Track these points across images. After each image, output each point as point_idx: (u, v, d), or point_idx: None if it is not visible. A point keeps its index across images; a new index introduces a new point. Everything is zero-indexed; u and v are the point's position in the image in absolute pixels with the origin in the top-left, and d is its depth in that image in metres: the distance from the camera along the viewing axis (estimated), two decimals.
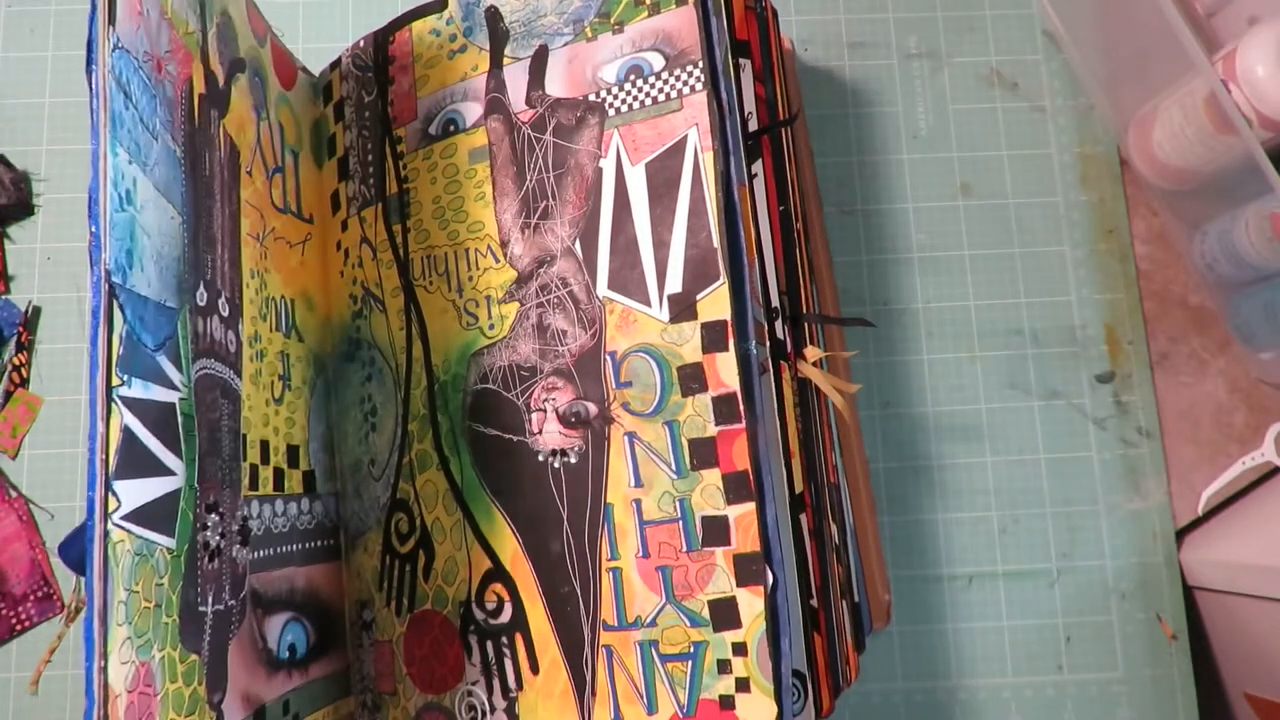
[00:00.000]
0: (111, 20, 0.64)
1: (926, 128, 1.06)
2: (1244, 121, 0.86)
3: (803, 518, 0.76)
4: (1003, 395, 1.02)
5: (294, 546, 0.82)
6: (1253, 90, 0.86)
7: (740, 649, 0.70)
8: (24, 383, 0.99)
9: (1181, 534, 1.01)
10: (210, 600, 0.69)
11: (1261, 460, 1.00)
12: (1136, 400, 1.02)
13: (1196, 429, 1.02)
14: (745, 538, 0.70)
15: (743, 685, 0.70)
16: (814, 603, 0.75)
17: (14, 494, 0.97)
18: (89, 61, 0.63)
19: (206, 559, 0.69)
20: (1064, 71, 1.08)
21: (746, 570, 0.70)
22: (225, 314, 0.74)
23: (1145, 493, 1.00)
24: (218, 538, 0.71)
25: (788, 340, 0.79)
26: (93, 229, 0.59)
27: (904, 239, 1.04)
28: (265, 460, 0.79)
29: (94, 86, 0.63)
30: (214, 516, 0.70)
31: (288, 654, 0.80)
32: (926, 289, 1.04)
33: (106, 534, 0.59)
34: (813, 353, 0.80)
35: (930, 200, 1.05)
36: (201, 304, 0.71)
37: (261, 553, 0.77)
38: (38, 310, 1.01)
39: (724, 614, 0.70)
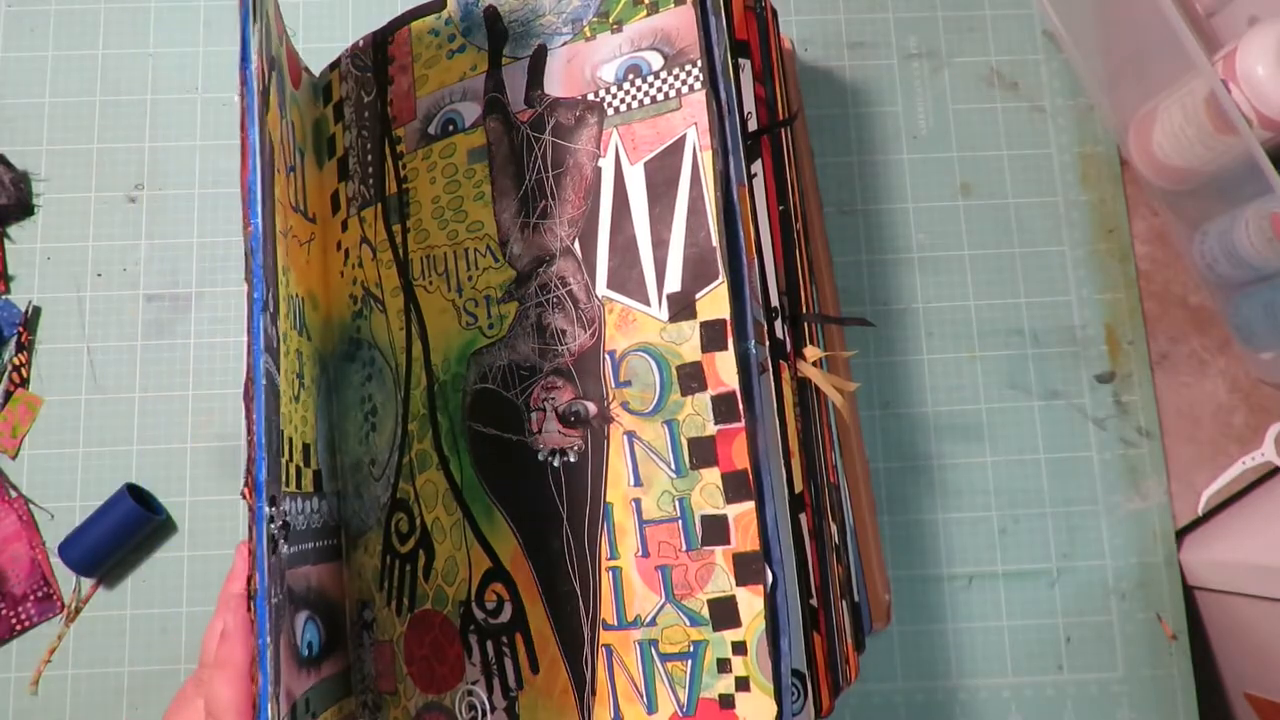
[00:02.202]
0: (256, 18, 0.64)
1: (926, 128, 1.06)
2: (1244, 121, 0.86)
3: (802, 517, 0.76)
4: (1003, 395, 1.02)
5: (310, 545, 0.82)
6: (1253, 90, 0.86)
7: (740, 648, 0.70)
8: (24, 383, 0.99)
9: (1181, 534, 1.01)
10: (272, 592, 0.69)
11: (1261, 460, 1.00)
12: (1136, 400, 1.02)
13: (1196, 429, 1.02)
14: (744, 537, 0.70)
15: (742, 684, 0.70)
16: (814, 602, 0.75)
17: (14, 494, 0.98)
18: (244, 59, 0.63)
19: (270, 551, 0.69)
20: (1064, 71, 1.08)
21: (746, 569, 0.69)
22: (272, 310, 0.74)
23: (1145, 493, 1.00)
24: (275, 530, 0.71)
25: (787, 340, 0.79)
26: (253, 223, 0.59)
27: (904, 239, 1.04)
28: (290, 458, 0.79)
29: (249, 83, 0.63)
30: (273, 510, 0.71)
31: (307, 651, 0.80)
32: (926, 289, 1.04)
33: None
34: (812, 352, 0.80)
35: (930, 200, 1.05)
36: (263, 298, 0.71)
37: (292, 549, 0.78)
38: (38, 310, 1.01)
39: (723, 613, 0.70)
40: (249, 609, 0.72)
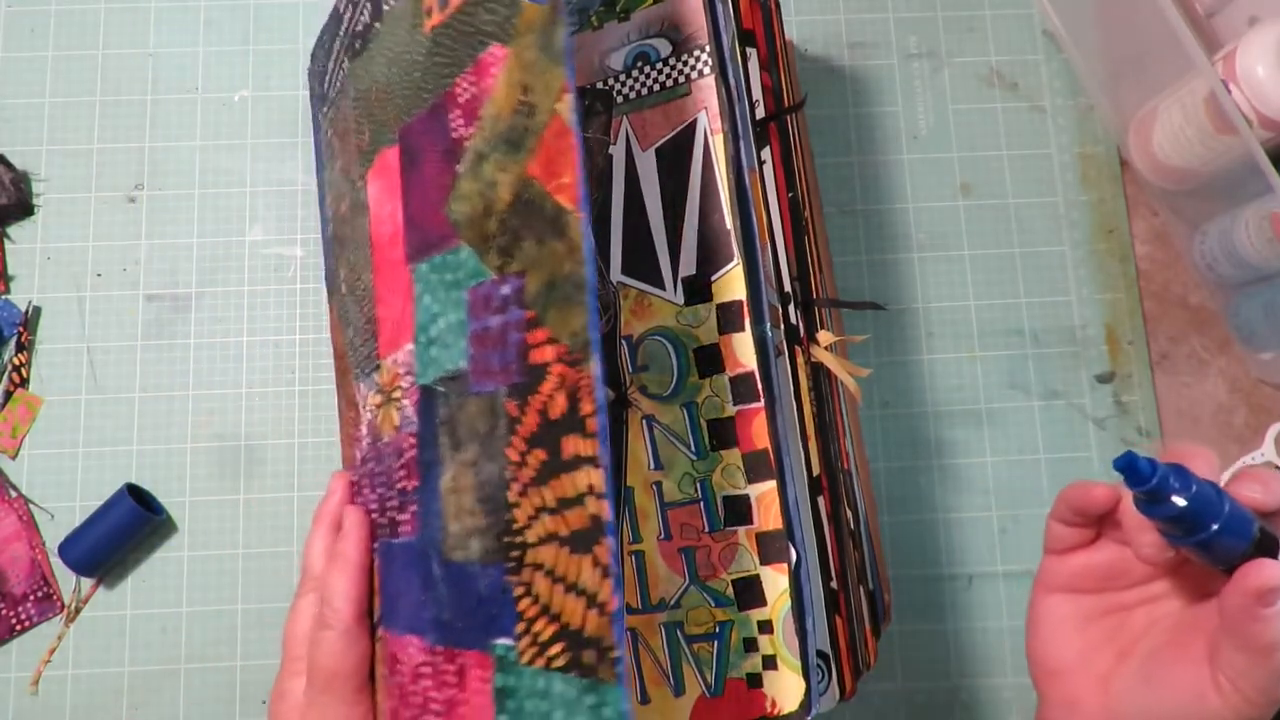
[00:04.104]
0: None
1: (926, 128, 1.07)
2: (1244, 121, 0.86)
3: (820, 501, 0.76)
4: (1003, 395, 1.02)
5: None
6: (1253, 90, 0.86)
7: (766, 626, 0.70)
8: (24, 383, 0.99)
9: None
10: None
11: (1261, 460, 1.00)
12: (1136, 400, 1.02)
13: (1196, 429, 1.03)
14: (767, 516, 0.70)
15: (770, 663, 0.69)
16: (834, 585, 0.75)
17: (14, 494, 0.97)
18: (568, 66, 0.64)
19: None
20: (1064, 71, 1.08)
21: (770, 548, 0.69)
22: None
23: None
24: None
25: (800, 325, 0.79)
26: (584, 214, 0.59)
27: (904, 239, 1.05)
28: None
29: (570, 79, 0.64)
30: None
31: None
32: (926, 289, 1.04)
33: None
34: (825, 337, 0.80)
35: (930, 200, 1.05)
36: (595, 273, 0.72)
37: None
38: (38, 310, 1.00)
39: (748, 592, 0.70)
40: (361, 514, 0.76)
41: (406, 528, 0.71)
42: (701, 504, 0.72)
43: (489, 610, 0.62)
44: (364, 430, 0.82)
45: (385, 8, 0.80)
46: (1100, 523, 0.66)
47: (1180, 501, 0.57)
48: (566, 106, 0.60)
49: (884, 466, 1.01)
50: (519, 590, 0.60)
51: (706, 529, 0.72)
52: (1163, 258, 1.05)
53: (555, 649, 0.57)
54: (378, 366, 0.78)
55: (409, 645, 0.69)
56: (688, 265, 0.73)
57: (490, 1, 0.67)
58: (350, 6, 0.86)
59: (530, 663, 0.59)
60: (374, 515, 0.76)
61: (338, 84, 0.90)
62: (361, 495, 0.80)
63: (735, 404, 0.71)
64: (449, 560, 0.66)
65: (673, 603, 0.73)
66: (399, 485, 0.73)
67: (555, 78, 0.60)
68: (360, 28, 0.84)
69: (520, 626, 0.59)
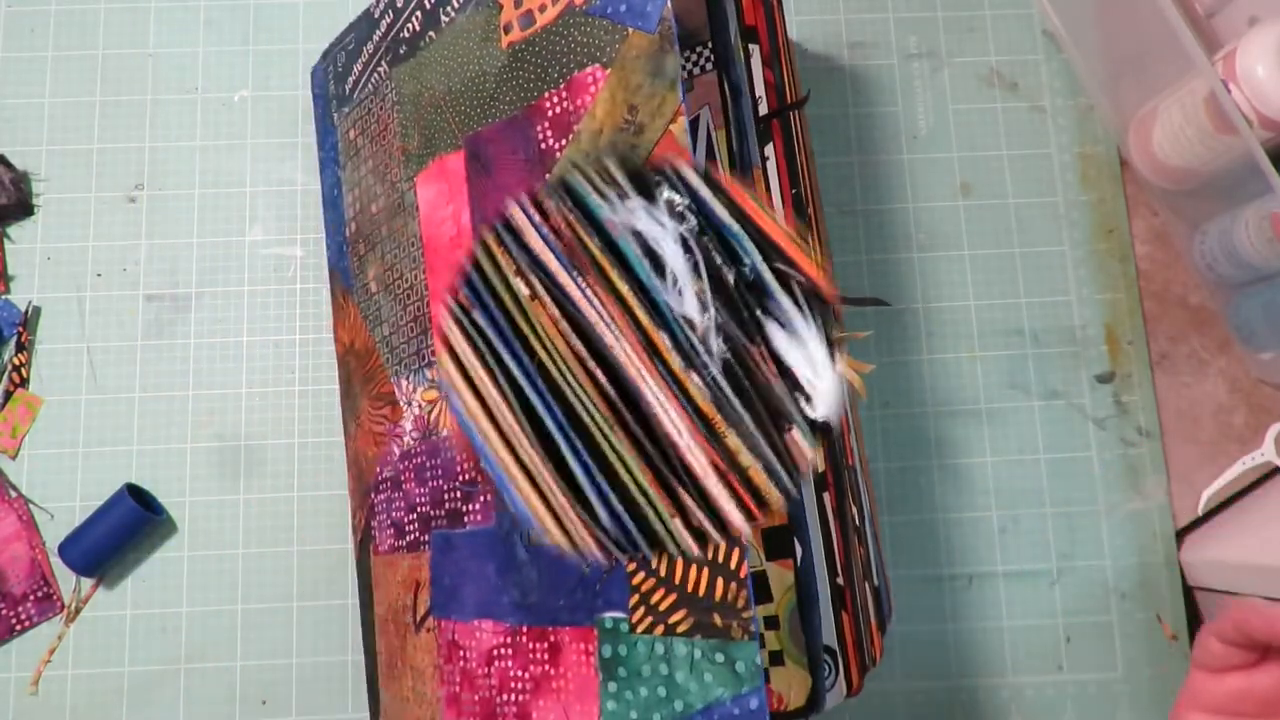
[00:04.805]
0: None
1: (926, 128, 1.07)
2: (1244, 121, 0.86)
3: (826, 497, 0.76)
4: (1003, 395, 1.02)
5: None
6: (1253, 90, 0.86)
7: (772, 622, 0.70)
8: (24, 383, 0.99)
9: (1181, 534, 1.01)
10: None
11: (1261, 460, 1.00)
12: (1136, 400, 1.02)
13: (1196, 429, 1.02)
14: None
15: (776, 659, 0.70)
16: (839, 581, 0.75)
17: (14, 494, 0.97)
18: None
19: None
20: (1064, 71, 1.08)
21: (775, 544, 0.70)
22: None
23: (1145, 493, 1.00)
24: None
25: None
26: None
27: (904, 239, 1.04)
28: None
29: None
30: None
31: None
32: (926, 289, 1.04)
33: None
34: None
35: (930, 200, 1.05)
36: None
37: None
38: (38, 310, 1.01)
39: (754, 588, 0.70)
40: None
41: (476, 516, 0.72)
42: None
43: (593, 587, 0.64)
44: (408, 425, 0.83)
45: (444, 19, 0.80)
46: (1269, 646, 0.61)
47: None
48: (681, 128, 0.63)
49: (884, 466, 1.01)
50: (631, 566, 0.63)
51: None
52: (1163, 258, 1.05)
53: (677, 616, 0.60)
54: (431, 363, 0.79)
55: (478, 630, 0.70)
56: None
57: (587, 26, 0.69)
58: (391, 11, 0.87)
59: (646, 631, 0.62)
60: (425, 507, 0.77)
61: (369, 86, 0.90)
62: (401, 490, 0.81)
63: None
64: (539, 544, 0.67)
65: None
66: (464, 476, 0.74)
67: (668, 101, 0.64)
68: (408, 34, 0.85)
69: (634, 599, 0.62)
